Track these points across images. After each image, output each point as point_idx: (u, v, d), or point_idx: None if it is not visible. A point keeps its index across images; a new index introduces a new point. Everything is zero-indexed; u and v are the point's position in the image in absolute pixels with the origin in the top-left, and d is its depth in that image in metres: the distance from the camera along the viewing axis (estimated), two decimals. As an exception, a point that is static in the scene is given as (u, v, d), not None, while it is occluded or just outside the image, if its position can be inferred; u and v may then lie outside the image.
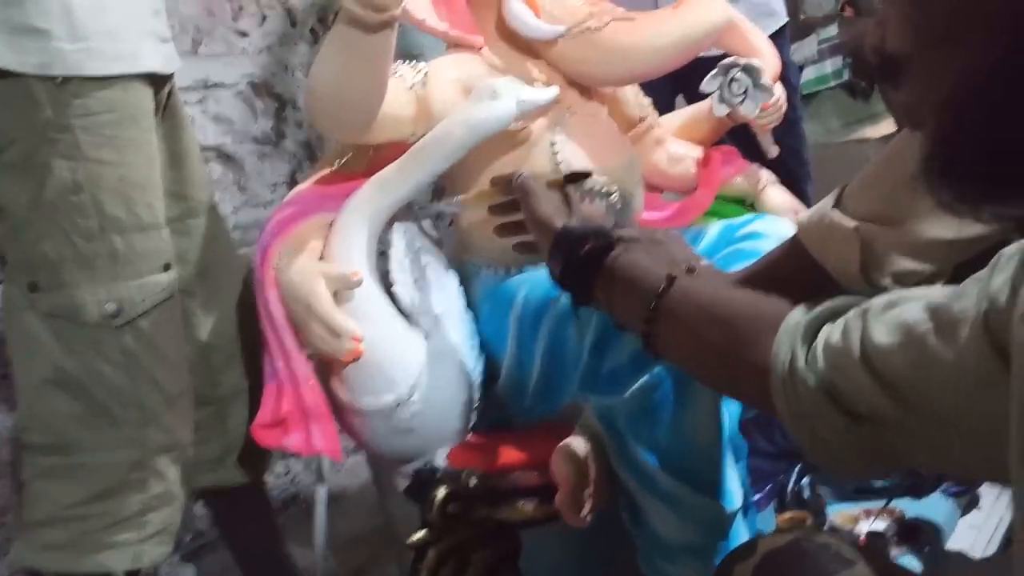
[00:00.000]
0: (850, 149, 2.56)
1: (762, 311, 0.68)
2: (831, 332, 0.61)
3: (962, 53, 0.45)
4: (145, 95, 1.00)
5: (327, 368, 1.01)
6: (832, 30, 2.45)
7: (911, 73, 0.49)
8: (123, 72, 0.95)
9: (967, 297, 0.53)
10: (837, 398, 0.59)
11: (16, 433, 1.11)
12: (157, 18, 1.02)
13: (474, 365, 1.06)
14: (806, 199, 1.50)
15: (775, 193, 1.27)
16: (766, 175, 1.29)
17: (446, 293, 1.07)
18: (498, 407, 1.08)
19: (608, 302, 0.79)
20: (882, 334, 0.57)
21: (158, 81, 1.03)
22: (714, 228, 1.10)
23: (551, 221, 0.86)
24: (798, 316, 0.65)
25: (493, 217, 0.97)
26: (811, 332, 0.63)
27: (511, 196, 0.93)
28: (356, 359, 0.96)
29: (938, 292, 0.57)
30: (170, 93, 1.10)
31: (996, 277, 0.51)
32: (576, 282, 0.81)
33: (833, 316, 0.63)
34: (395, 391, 0.98)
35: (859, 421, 0.59)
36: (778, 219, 1.10)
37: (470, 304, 1.10)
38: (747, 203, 1.28)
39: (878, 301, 0.60)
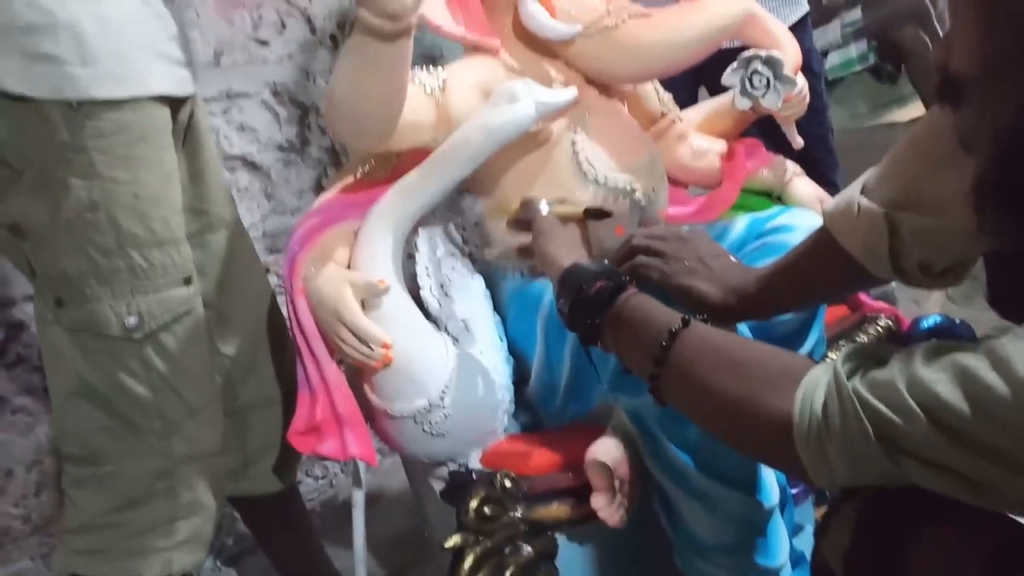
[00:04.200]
0: (878, 134, 2.52)
1: (780, 361, 0.66)
2: (874, 375, 0.59)
3: None
4: (158, 115, 1.02)
5: (358, 375, 1.02)
6: (856, 14, 2.41)
7: (973, 96, 0.49)
8: (133, 95, 0.97)
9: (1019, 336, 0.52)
10: (889, 439, 0.57)
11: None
12: (172, 42, 1.03)
13: (503, 368, 1.06)
14: (834, 188, 1.47)
15: (802, 184, 1.26)
16: (792, 167, 1.28)
17: (472, 297, 1.07)
18: (530, 409, 1.09)
19: (616, 345, 0.78)
20: (932, 372, 0.56)
21: (175, 102, 1.05)
22: (741, 222, 1.09)
23: (560, 259, 0.85)
24: (822, 370, 0.63)
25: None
26: (847, 375, 0.61)
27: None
28: (386, 365, 0.97)
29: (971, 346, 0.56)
30: (192, 111, 1.11)
31: None
32: (584, 323, 0.79)
33: (864, 364, 0.61)
34: (426, 396, 0.98)
35: (904, 458, 0.57)
36: (805, 211, 1.09)
37: (497, 307, 1.11)
38: (773, 196, 1.28)
39: (920, 349, 0.59)
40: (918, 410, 0.56)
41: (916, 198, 0.74)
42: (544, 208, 0.94)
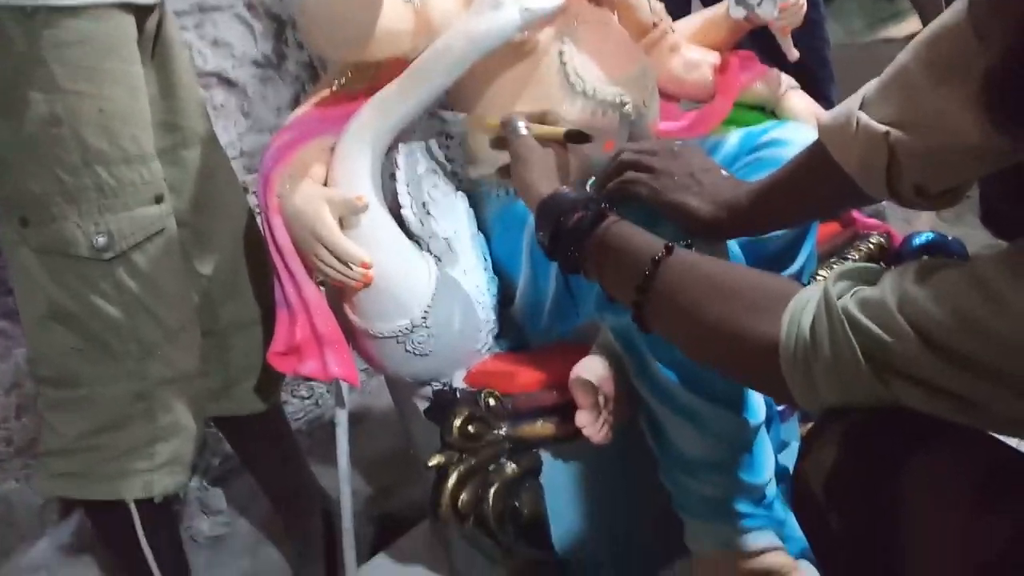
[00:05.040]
0: (874, 50, 2.48)
1: (766, 285, 0.65)
2: (865, 294, 0.58)
3: None
4: (124, 24, 0.97)
5: (338, 294, 1.00)
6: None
7: None
8: (92, 1, 0.93)
9: (1010, 264, 0.52)
10: (880, 360, 0.56)
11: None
12: None
13: (488, 287, 1.05)
14: (829, 103, 1.45)
15: (796, 99, 1.24)
16: (787, 80, 1.25)
17: (456, 216, 1.05)
18: (515, 328, 1.08)
19: (599, 274, 0.77)
20: (922, 290, 0.55)
21: (141, 10, 1.00)
22: (733, 137, 1.06)
23: (538, 187, 0.84)
24: (812, 291, 0.62)
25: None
26: (837, 295, 0.59)
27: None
28: (367, 285, 0.95)
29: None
30: (160, 22, 1.07)
31: None
32: (565, 253, 0.78)
33: (855, 284, 0.60)
34: (408, 315, 0.97)
35: (895, 379, 0.56)
36: (800, 125, 1.06)
37: (482, 226, 1.08)
38: (767, 110, 1.25)
39: (910, 268, 0.58)
40: (909, 328, 0.55)
41: (917, 116, 0.71)
42: (522, 129, 0.91)
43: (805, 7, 1.16)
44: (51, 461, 1.04)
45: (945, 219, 2.08)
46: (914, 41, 0.74)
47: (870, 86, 0.77)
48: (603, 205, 0.78)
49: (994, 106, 0.46)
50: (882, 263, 1.19)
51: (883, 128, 0.72)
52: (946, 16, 0.71)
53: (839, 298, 0.59)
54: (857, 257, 1.16)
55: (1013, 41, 0.45)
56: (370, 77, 1.02)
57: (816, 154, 0.79)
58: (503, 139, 0.93)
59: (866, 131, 0.74)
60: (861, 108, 0.75)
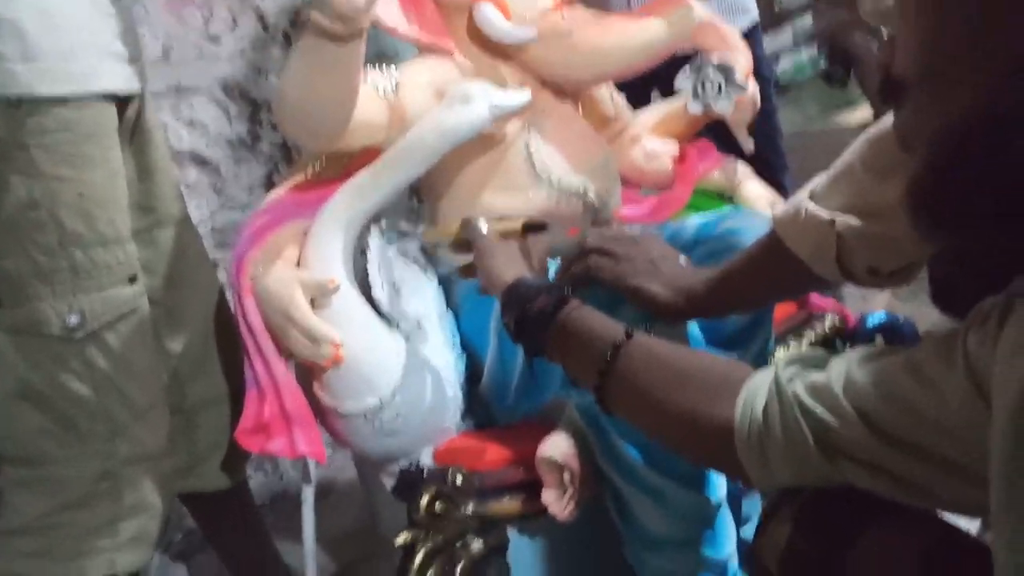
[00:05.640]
0: (829, 136, 2.58)
1: (721, 370, 0.68)
2: (813, 379, 0.61)
3: (965, 91, 0.47)
4: (104, 113, 1.00)
5: (308, 373, 1.01)
6: (807, 20, 2.47)
7: (912, 98, 0.50)
8: (76, 92, 0.95)
9: (942, 352, 0.55)
10: (827, 441, 0.59)
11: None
12: (119, 39, 1.01)
13: (455, 365, 1.06)
14: (783, 189, 1.51)
15: (752, 186, 1.29)
16: (743, 168, 1.30)
17: (425, 295, 1.07)
18: (482, 405, 1.09)
19: (562, 357, 0.79)
20: (864, 376, 0.58)
21: (121, 100, 1.03)
22: (692, 223, 1.11)
23: (502, 276, 0.86)
24: (764, 376, 0.65)
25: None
26: (787, 380, 0.63)
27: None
28: (337, 364, 0.97)
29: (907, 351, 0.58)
30: (140, 108, 1.10)
31: (975, 330, 0.52)
32: (529, 338, 0.81)
33: (804, 369, 0.63)
34: (376, 394, 0.98)
35: (841, 459, 0.59)
36: (754, 215, 1.11)
37: (450, 303, 1.11)
38: (725, 197, 1.30)
39: (852, 355, 0.61)
40: (852, 411, 0.58)
41: (862, 206, 0.76)
42: (483, 227, 0.95)
43: (759, 102, 1.22)
44: (11, 540, 1.02)
45: (900, 297, 2.14)
46: (859, 140, 0.80)
47: (819, 180, 0.82)
48: (565, 291, 0.81)
49: (916, 212, 0.50)
50: (837, 342, 1.24)
51: (829, 216, 0.77)
52: (886, 119, 0.77)
53: (789, 382, 0.62)
54: (813, 337, 1.20)
55: (930, 156, 0.49)
56: (344, 164, 1.06)
57: (771, 244, 0.83)
58: (464, 242, 0.97)
59: (815, 219, 0.78)
60: (810, 199, 0.80)
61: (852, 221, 0.76)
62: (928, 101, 0.49)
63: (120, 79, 1.02)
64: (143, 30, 1.45)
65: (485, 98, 0.97)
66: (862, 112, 2.58)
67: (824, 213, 0.78)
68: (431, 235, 1.06)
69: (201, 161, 1.64)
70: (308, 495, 1.11)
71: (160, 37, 1.56)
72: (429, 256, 1.11)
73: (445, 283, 1.12)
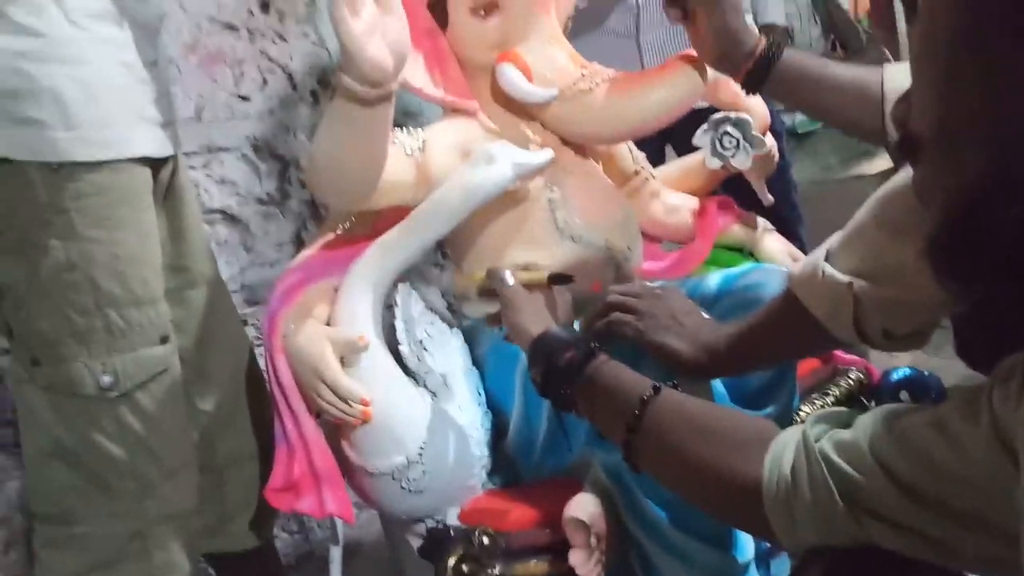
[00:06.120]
0: (848, 186, 2.59)
1: (748, 427, 0.68)
2: (840, 436, 0.61)
3: (979, 153, 0.47)
4: (138, 176, 1.03)
5: (337, 431, 1.02)
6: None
7: (928, 155, 0.51)
8: (112, 158, 0.99)
9: (966, 408, 0.55)
10: (853, 499, 0.59)
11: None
12: (154, 104, 1.05)
13: (481, 422, 1.06)
14: (799, 242, 1.53)
15: (772, 241, 1.29)
16: (762, 223, 1.31)
17: (451, 352, 1.08)
18: (508, 463, 1.09)
19: (590, 411, 0.79)
20: (890, 433, 0.58)
21: (155, 163, 1.06)
22: (713, 278, 1.12)
23: (529, 328, 0.87)
24: (791, 434, 0.65)
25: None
26: (815, 438, 0.63)
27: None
28: (365, 422, 0.98)
29: (933, 409, 0.59)
30: (174, 171, 1.13)
31: (1000, 387, 0.52)
32: (557, 391, 0.81)
33: (831, 427, 0.64)
34: (404, 452, 0.99)
35: (867, 517, 0.59)
36: (774, 269, 1.11)
37: (475, 360, 1.12)
38: (745, 251, 1.31)
39: (879, 412, 0.61)
40: (878, 468, 0.58)
41: (878, 268, 0.76)
42: (509, 278, 0.96)
43: (777, 157, 1.23)
44: None
45: (927, 351, 2.12)
46: (871, 199, 0.80)
47: (834, 239, 0.82)
48: (592, 344, 0.81)
49: (938, 266, 0.51)
50: (862, 398, 1.23)
51: (847, 279, 0.78)
52: (900, 176, 0.78)
53: (817, 440, 0.62)
54: (838, 393, 1.19)
55: (945, 213, 0.50)
56: (372, 222, 1.08)
57: (788, 302, 0.84)
58: (490, 290, 0.98)
59: (831, 282, 0.79)
60: (827, 259, 0.81)
61: (867, 285, 0.77)
62: (943, 159, 0.50)
63: (153, 143, 1.05)
64: (176, 89, 1.50)
65: (509, 157, 1.00)
66: (881, 161, 2.58)
67: (841, 276, 0.78)
68: (461, 282, 1.08)
69: (231, 218, 1.67)
70: (336, 555, 1.11)
71: (193, 97, 1.60)
72: (454, 310, 1.12)
73: (469, 337, 1.13)
